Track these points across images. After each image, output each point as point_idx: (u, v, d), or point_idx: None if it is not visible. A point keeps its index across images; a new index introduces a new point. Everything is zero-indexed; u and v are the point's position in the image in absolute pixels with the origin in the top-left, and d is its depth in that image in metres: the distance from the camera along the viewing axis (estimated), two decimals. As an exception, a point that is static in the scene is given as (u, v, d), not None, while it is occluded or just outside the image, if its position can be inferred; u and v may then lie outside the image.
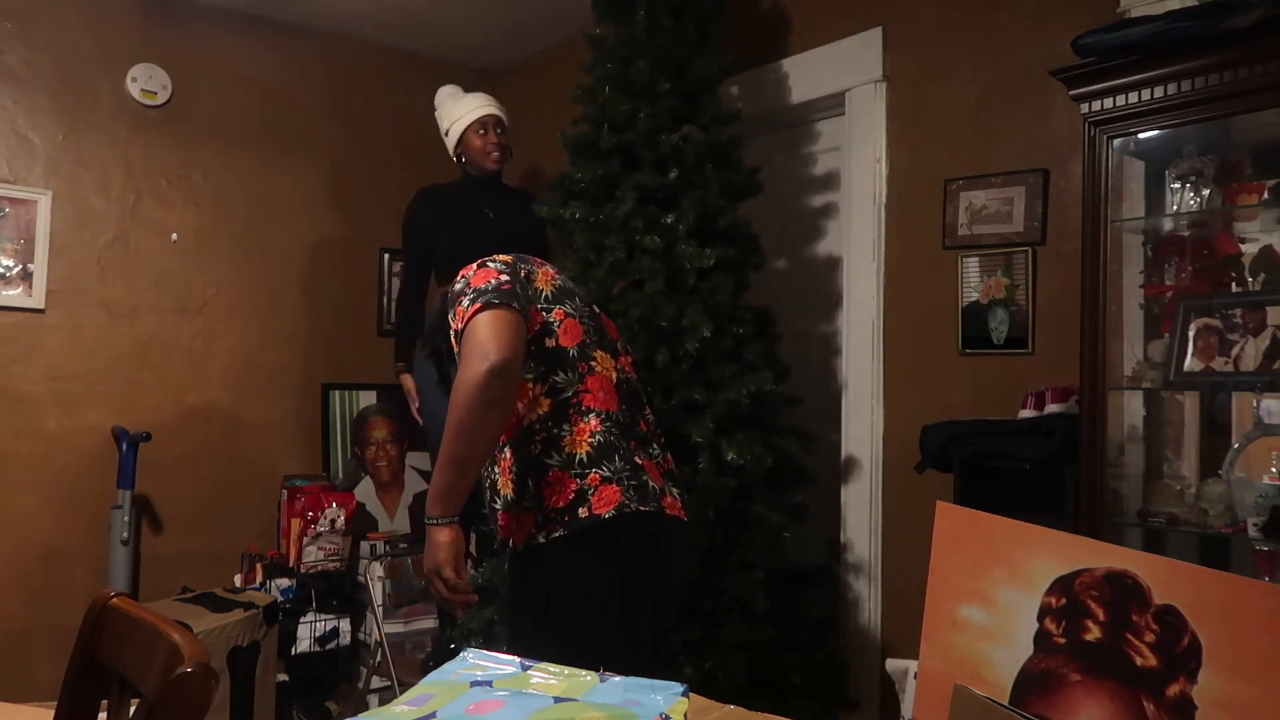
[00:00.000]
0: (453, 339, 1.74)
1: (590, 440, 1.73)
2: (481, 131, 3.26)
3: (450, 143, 3.35)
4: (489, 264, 1.76)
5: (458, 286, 1.74)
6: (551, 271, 1.88)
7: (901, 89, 2.80)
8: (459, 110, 3.31)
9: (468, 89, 3.47)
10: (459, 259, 2.32)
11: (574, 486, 1.71)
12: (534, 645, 1.66)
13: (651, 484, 1.76)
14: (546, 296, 1.81)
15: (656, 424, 1.94)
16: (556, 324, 1.79)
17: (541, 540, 1.73)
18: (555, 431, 1.75)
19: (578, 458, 1.73)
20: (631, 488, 1.72)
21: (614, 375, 1.83)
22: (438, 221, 3.31)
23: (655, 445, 1.87)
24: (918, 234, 2.73)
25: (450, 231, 3.27)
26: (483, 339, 1.62)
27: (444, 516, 1.71)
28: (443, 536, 1.71)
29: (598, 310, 1.92)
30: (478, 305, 1.66)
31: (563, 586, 1.73)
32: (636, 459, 1.77)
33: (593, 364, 1.80)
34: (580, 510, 1.70)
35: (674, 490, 1.82)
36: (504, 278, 1.72)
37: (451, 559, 1.71)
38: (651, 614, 1.80)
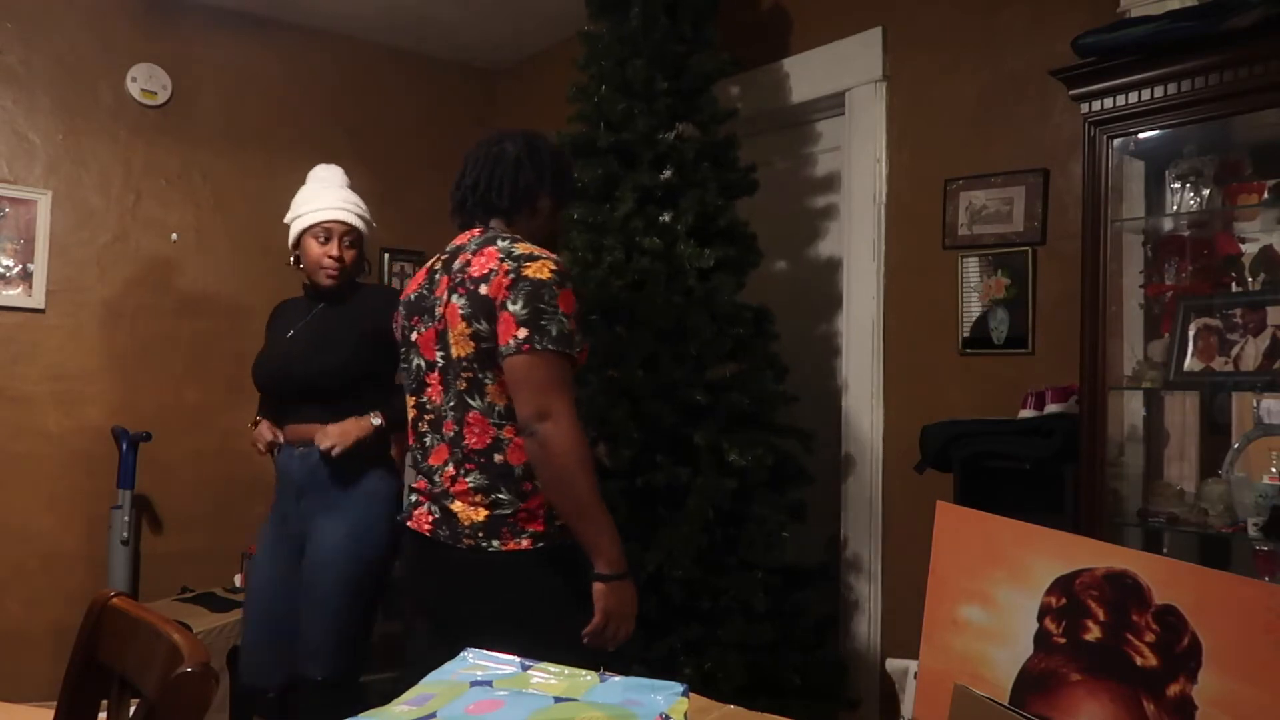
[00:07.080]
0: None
1: None
2: (322, 239, 2.49)
3: (290, 239, 2.59)
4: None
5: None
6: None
7: (901, 89, 2.80)
8: (305, 206, 2.55)
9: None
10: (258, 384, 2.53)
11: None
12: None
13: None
14: None
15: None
16: None
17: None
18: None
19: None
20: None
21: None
22: (267, 336, 2.68)
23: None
24: (918, 234, 2.73)
25: (263, 351, 2.62)
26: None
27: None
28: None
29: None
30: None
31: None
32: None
33: None
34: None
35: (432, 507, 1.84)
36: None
37: None
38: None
